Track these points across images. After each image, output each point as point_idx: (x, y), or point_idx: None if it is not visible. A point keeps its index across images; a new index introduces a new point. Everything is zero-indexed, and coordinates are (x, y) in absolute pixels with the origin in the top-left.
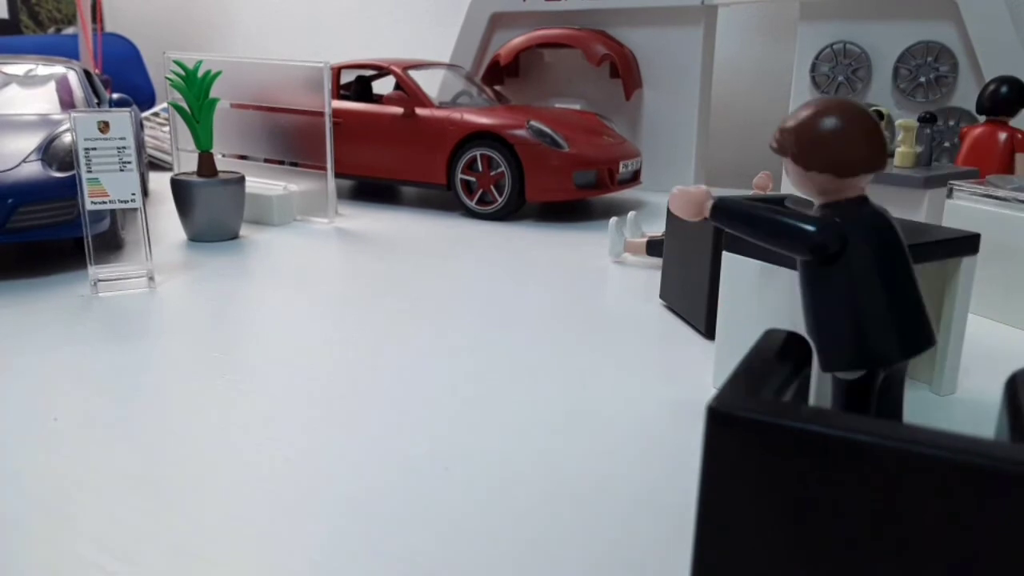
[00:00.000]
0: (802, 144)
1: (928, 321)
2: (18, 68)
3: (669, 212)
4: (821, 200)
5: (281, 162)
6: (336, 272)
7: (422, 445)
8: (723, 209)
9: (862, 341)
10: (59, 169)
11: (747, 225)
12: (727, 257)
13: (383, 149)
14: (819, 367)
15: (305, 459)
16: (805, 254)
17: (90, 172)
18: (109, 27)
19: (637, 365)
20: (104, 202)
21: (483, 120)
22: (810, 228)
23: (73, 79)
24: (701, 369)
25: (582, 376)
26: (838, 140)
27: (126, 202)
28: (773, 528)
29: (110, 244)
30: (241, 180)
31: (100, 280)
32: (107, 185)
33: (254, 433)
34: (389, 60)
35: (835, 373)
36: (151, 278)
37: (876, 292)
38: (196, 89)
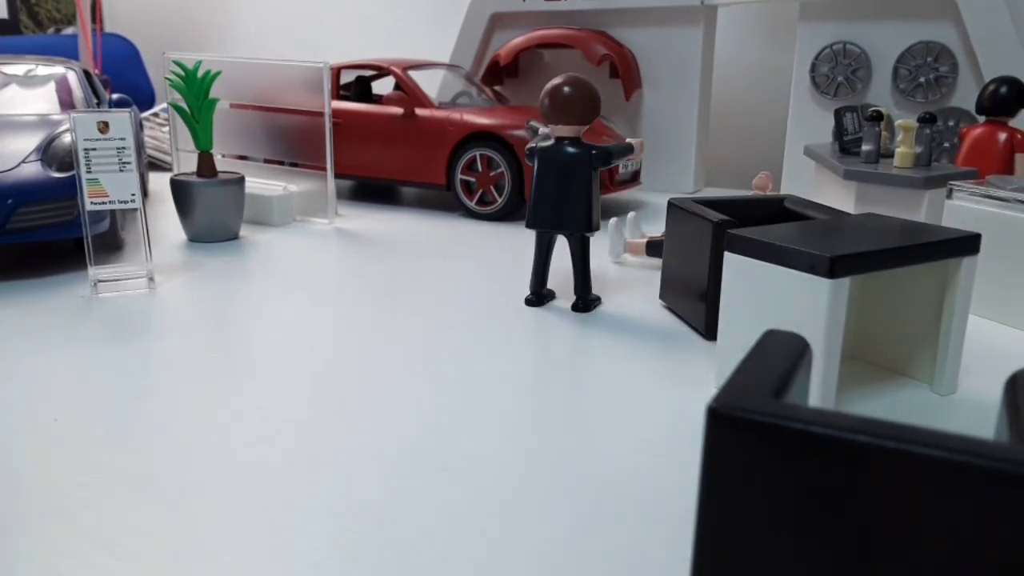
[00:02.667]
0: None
1: (572, 215)
2: (18, 68)
3: (669, 213)
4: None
5: (281, 162)
6: (336, 273)
7: (422, 445)
8: (530, 128)
9: (528, 212)
10: (59, 169)
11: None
12: (728, 257)
13: (383, 149)
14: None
15: (306, 459)
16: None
17: (90, 172)
18: (109, 27)
19: (637, 366)
20: (104, 202)
21: (483, 120)
22: (529, 143)
23: (73, 79)
24: (701, 369)
25: (581, 376)
26: (545, 103)
27: (126, 202)
28: (773, 529)
29: (110, 245)
30: (241, 180)
31: (100, 281)
32: (107, 185)
33: (254, 433)
34: (389, 60)
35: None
36: (151, 279)
37: (537, 189)
38: (196, 89)
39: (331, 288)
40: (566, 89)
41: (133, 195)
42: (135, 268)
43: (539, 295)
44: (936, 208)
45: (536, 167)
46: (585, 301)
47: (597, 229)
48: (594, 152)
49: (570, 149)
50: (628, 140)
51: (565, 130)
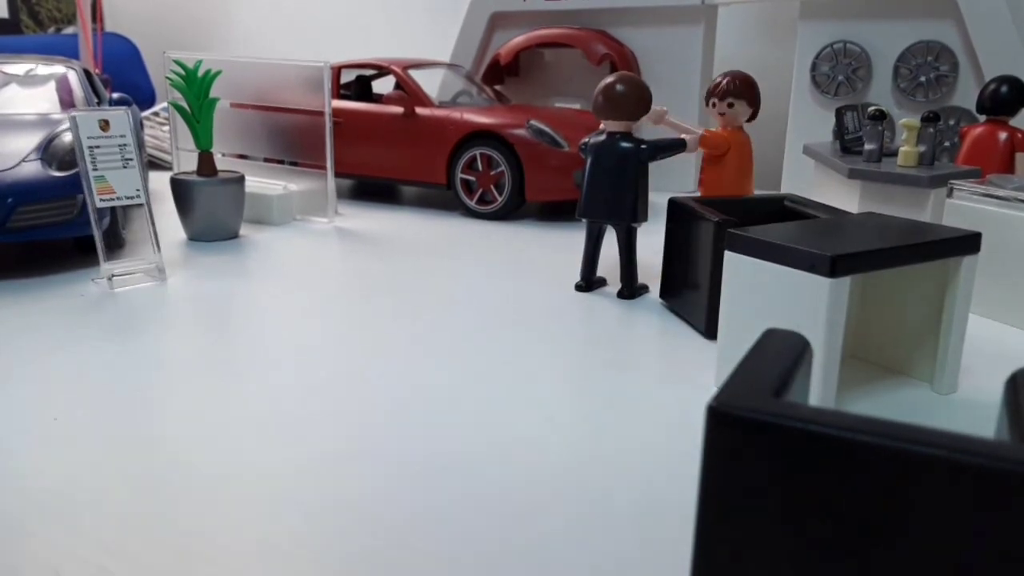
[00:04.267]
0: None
1: (618, 206)
2: (18, 68)
3: (669, 212)
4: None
5: (281, 161)
6: (336, 272)
7: (422, 445)
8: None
9: (579, 202)
10: (59, 168)
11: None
12: (728, 256)
13: (383, 149)
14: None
15: (306, 459)
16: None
17: (96, 170)
18: (109, 26)
19: (637, 365)
20: (112, 199)
21: (483, 120)
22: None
23: (73, 79)
24: (701, 369)
25: (581, 376)
26: (599, 99)
27: (132, 198)
28: (773, 528)
29: (111, 243)
30: (241, 179)
31: (115, 275)
32: (112, 182)
33: (255, 432)
34: (389, 59)
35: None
36: (160, 269)
37: (587, 179)
38: (196, 88)
39: (331, 287)
40: (619, 87)
41: (138, 190)
42: (143, 262)
43: (588, 281)
44: (941, 207)
45: (588, 160)
46: (630, 289)
47: (644, 220)
48: (643, 147)
49: (621, 143)
50: (683, 135)
51: (616, 125)
